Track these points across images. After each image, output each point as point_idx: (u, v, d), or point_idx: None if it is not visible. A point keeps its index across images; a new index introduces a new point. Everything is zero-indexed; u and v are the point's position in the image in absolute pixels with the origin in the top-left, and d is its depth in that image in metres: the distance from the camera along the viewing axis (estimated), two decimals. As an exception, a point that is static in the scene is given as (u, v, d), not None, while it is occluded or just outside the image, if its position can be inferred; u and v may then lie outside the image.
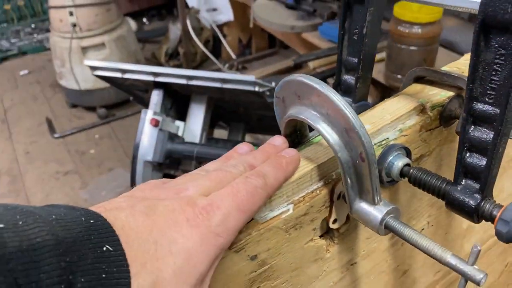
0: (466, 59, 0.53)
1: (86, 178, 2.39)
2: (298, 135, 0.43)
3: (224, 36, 3.22)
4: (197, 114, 1.26)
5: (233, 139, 1.40)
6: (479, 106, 0.36)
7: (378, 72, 1.73)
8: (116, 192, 2.12)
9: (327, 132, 0.36)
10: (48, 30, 3.32)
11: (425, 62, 1.47)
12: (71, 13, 2.45)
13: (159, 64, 3.10)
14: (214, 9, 3.11)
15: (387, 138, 0.44)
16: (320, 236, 0.43)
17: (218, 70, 3.03)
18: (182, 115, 1.29)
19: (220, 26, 3.19)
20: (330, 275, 0.46)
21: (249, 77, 1.08)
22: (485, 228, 0.66)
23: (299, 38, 2.24)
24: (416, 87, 0.49)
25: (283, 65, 2.19)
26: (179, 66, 3.00)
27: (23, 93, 3.23)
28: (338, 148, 0.36)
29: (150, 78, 1.17)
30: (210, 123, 1.44)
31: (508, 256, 0.76)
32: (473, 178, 0.38)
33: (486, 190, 0.37)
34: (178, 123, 1.25)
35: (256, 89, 1.09)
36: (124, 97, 2.76)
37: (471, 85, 0.35)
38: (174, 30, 2.97)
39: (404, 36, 1.45)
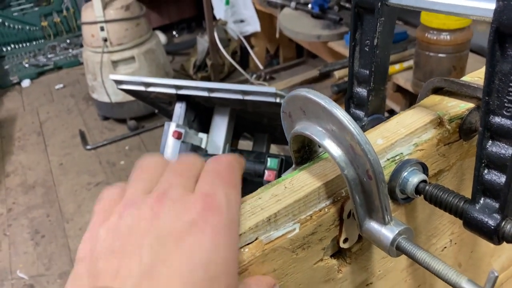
0: (489, 68, 0.51)
1: (116, 189, 2.43)
2: (307, 151, 0.41)
3: (252, 47, 3.24)
4: (220, 126, 1.26)
5: (256, 150, 1.40)
6: (497, 119, 0.34)
7: (406, 80, 1.69)
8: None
9: (332, 149, 0.35)
10: (82, 45, 3.43)
11: (454, 70, 1.42)
12: (102, 28, 2.53)
13: (188, 75, 3.14)
14: (242, 21, 3.14)
15: (401, 153, 0.41)
16: (331, 256, 0.42)
17: (246, 81, 3.04)
18: (205, 127, 1.30)
19: (248, 37, 3.20)
20: (344, 296, 0.44)
21: (270, 88, 1.08)
22: (516, 246, 0.62)
23: (326, 47, 2.22)
24: (434, 98, 0.47)
25: (310, 75, 2.17)
26: (207, 77, 3.03)
27: (58, 106, 3.35)
28: (344, 165, 0.35)
29: (173, 91, 1.18)
30: (235, 134, 1.44)
31: (543, 275, 0.71)
32: (492, 197, 0.35)
33: (506, 210, 0.34)
34: (201, 135, 1.25)
35: (277, 100, 1.08)
36: (153, 109, 2.81)
37: (487, 98, 0.33)
38: (202, 42, 3.00)
39: (432, 44, 1.41)
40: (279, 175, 1.09)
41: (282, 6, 2.52)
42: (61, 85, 3.62)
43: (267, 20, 3.08)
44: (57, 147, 2.89)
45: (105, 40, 2.56)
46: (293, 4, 2.40)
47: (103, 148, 2.79)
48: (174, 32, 4.24)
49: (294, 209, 0.37)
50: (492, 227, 0.34)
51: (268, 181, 1.21)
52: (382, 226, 0.36)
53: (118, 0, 2.63)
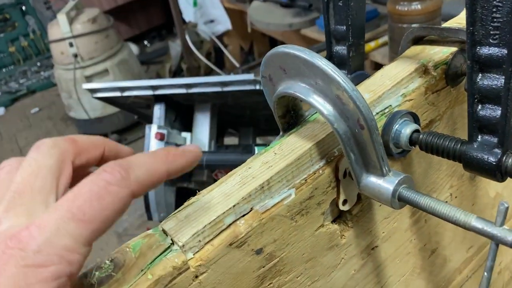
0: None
1: (106, 204, 2.39)
2: (293, 115, 0.40)
3: (225, 46, 3.21)
4: (203, 123, 1.24)
5: (243, 143, 1.38)
6: (484, 50, 0.32)
7: (383, 56, 1.68)
8: (136, 215, 2.11)
9: (319, 104, 0.33)
10: (53, 66, 3.37)
11: (429, 38, 1.41)
12: (71, 44, 2.48)
13: (165, 82, 3.11)
14: (211, 21, 3.11)
15: (390, 106, 0.40)
16: (333, 222, 0.40)
17: (223, 80, 3.02)
18: (187, 126, 1.27)
19: (220, 37, 3.18)
20: (350, 262, 0.42)
21: (248, 75, 1.06)
22: (515, 195, 0.61)
23: (299, 35, 2.20)
24: (415, 49, 0.45)
25: (286, 65, 2.15)
26: (184, 82, 3.00)
27: (37, 130, 3.28)
28: (334, 119, 0.33)
29: (150, 92, 1.15)
30: (219, 132, 1.42)
31: (545, 222, 0.70)
32: (490, 132, 0.34)
33: (506, 143, 0.33)
34: (185, 134, 1.23)
35: (257, 87, 1.06)
36: (134, 120, 2.77)
37: (471, 28, 0.32)
38: (175, 47, 2.97)
39: (404, 15, 1.40)
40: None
41: (251, 0, 2.50)
42: (37, 109, 3.55)
43: (238, 17, 3.06)
44: (41, 171, 2.82)
45: (76, 56, 2.51)
46: (261, -4, 2.38)
47: (87, 166, 2.74)
48: (145, 42, 4.19)
49: (287, 174, 0.35)
50: (494, 163, 0.33)
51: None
52: (380, 178, 0.34)
53: (84, 14, 2.58)
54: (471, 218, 0.30)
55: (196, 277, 0.31)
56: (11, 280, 0.22)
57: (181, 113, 1.26)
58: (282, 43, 3.00)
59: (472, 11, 0.31)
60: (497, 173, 0.33)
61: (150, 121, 1.32)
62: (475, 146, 0.34)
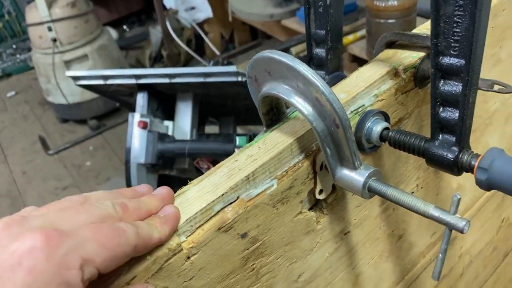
0: (435, 19, 0.54)
1: (85, 190, 2.38)
2: (276, 112, 0.43)
3: (206, 33, 3.21)
4: (185, 112, 1.27)
5: (223, 132, 1.41)
6: (446, 60, 0.36)
7: (361, 50, 1.73)
8: (116, 201, 2.12)
9: (300, 104, 0.37)
10: (30, 49, 3.30)
11: (405, 33, 1.47)
12: (50, 28, 2.44)
13: (145, 68, 3.09)
14: (192, 8, 3.10)
15: (363, 105, 0.44)
16: (310, 209, 0.44)
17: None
18: (170, 115, 1.30)
19: (201, 24, 3.17)
20: (325, 246, 0.47)
21: (231, 67, 1.09)
22: (476, 186, 0.67)
23: (279, 26, 2.23)
24: (388, 52, 0.49)
25: (267, 55, 2.17)
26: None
27: (13, 114, 3.22)
28: (313, 118, 0.37)
29: (133, 81, 1.17)
30: (200, 120, 1.45)
31: (503, 211, 0.77)
32: (449, 132, 0.38)
33: (462, 142, 0.38)
34: (167, 123, 1.25)
35: (239, 79, 1.09)
36: (114, 106, 2.75)
37: (435, 40, 0.36)
38: (155, 33, 2.96)
39: (381, 10, 1.45)
40: (249, 152, 1.11)
41: (232, -11, 2.51)
42: (13, 93, 3.48)
43: (218, 4, 3.06)
44: (18, 156, 2.79)
45: (55, 40, 2.47)
46: (242, -15, 2.39)
47: (66, 151, 2.72)
48: (124, 27, 4.14)
49: (270, 167, 0.39)
50: (452, 159, 0.38)
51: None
52: (353, 171, 0.38)
53: (63, -2, 2.54)
54: (429, 207, 0.34)
55: (188, 257, 0.35)
56: (42, 277, 0.24)
57: (163, 102, 1.29)
58: (263, 32, 3.02)
59: (436, 25, 0.35)
60: (454, 168, 0.38)
61: (132, 109, 1.34)
62: (436, 144, 0.39)
